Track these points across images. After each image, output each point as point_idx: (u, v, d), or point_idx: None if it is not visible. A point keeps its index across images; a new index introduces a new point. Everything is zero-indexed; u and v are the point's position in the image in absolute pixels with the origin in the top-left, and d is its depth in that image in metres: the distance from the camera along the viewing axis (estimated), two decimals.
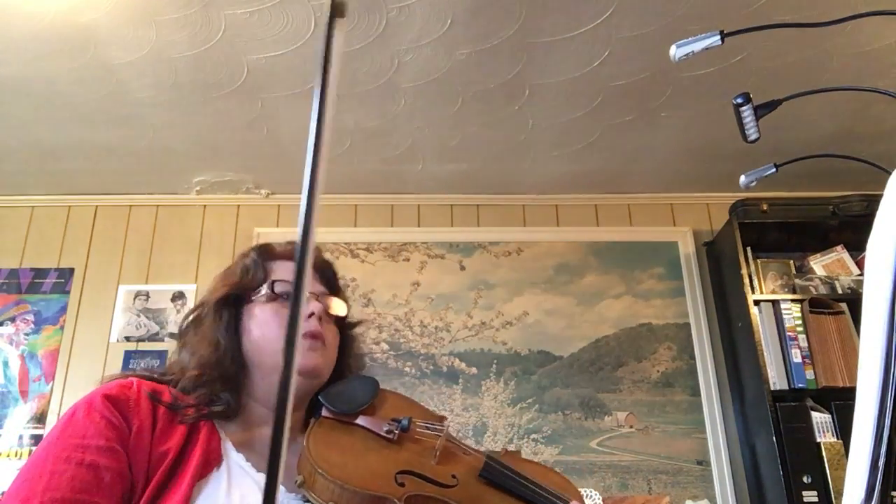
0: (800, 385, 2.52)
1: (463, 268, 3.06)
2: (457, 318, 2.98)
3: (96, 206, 3.12)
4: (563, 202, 3.18)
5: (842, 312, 2.64)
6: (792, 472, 2.38)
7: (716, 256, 3.01)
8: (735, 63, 2.29)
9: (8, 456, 2.72)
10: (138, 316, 2.93)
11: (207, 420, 0.90)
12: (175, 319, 2.89)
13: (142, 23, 2.08)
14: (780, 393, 2.52)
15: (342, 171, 2.94)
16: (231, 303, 0.99)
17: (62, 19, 2.06)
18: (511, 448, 2.75)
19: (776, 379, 2.54)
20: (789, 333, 2.60)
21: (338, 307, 1.03)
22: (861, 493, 0.54)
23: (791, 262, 2.84)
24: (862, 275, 2.60)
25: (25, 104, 2.48)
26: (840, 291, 2.73)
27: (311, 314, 0.96)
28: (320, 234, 3.04)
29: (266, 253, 1.05)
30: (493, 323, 2.98)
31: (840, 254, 2.85)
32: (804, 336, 2.60)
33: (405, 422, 0.93)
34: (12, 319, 2.93)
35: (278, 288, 0.99)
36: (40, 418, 2.77)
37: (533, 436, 2.81)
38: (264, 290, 0.99)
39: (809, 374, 2.54)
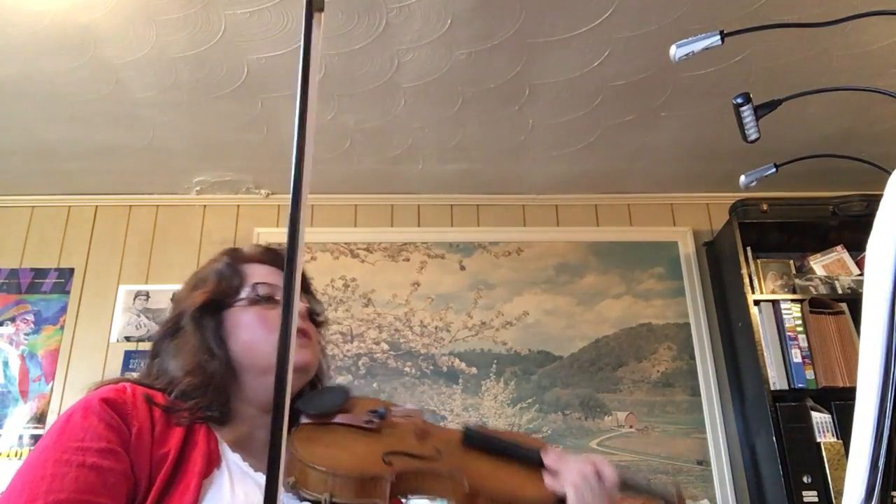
0: (800, 385, 2.52)
1: (463, 268, 3.06)
2: (457, 318, 2.98)
3: (96, 206, 3.11)
4: (563, 202, 3.18)
5: (842, 312, 2.64)
6: (792, 472, 2.38)
7: (716, 256, 3.01)
8: (735, 63, 2.29)
9: (8, 456, 2.72)
10: (138, 316, 2.93)
11: (202, 423, 0.90)
12: None
13: (142, 23, 2.08)
14: (780, 393, 2.52)
15: (342, 170, 2.94)
16: (211, 309, 0.98)
17: (62, 19, 2.06)
18: None
19: (776, 379, 2.54)
20: (789, 333, 2.60)
21: (317, 305, 1.06)
22: (861, 492, 0.54)
23: (791, 262, 2.83)
24: (862, 275, 2.60)
25: (25, 104, 2.48)
26: (840, 291, 2.73)
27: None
28: (321, 234, 3.05)
29: (238, 257, 1.05)
30: (493, 323, 2.97)
31: (840, 254, 2.85)
32: (804, 336, 2.59)
33: (382, 410, 0.97)
34: (12, 319, 2.93)
35: (261, 291, 0.99)
36: (40, 418, 2.77)
37: (533, 436, 2.80)
38: (245, 294, 0.99)
39: (809, 374, 2.54)
